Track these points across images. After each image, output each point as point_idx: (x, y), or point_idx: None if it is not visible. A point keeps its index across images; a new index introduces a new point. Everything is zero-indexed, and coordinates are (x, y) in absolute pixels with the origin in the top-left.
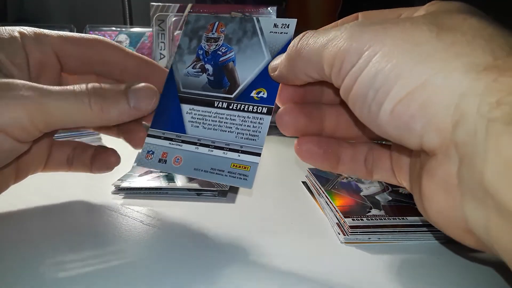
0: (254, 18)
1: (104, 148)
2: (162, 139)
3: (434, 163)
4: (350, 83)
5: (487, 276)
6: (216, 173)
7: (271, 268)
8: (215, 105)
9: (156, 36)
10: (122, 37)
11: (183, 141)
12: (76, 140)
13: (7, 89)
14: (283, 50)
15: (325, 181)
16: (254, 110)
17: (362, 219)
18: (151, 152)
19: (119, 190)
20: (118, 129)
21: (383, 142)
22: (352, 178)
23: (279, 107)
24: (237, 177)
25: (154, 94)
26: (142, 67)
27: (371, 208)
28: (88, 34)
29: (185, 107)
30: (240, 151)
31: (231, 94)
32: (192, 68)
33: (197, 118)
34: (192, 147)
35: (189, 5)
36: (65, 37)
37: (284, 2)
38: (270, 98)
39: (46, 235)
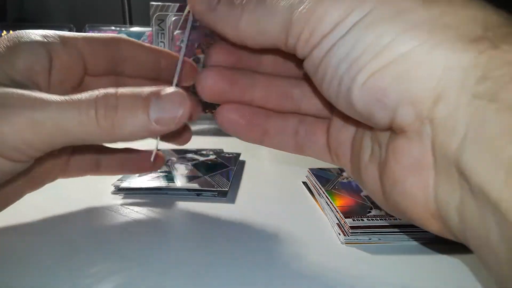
0: None
1: (136, 151)
2: None
3: (403, 142)
4: (319, 54)
5: (487, 276)
6: None
7: (271, 268)
8: None
9: (155, 35)
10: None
11: None
12: None
13: None
14: None
15: (325, 181)
16: None
17: (362, 220)
18: None
19: (118, 190)
20: None
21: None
22: (352, 178)
23: None
24: None
25: (182, 103)
26: (170, 63)
27: (371, 208)
28: (106, 34)
29: None
30: None
31: None
32: None
33: None
34: None
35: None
36: (89, 38)
37: None
38: None
39: (45, 235)
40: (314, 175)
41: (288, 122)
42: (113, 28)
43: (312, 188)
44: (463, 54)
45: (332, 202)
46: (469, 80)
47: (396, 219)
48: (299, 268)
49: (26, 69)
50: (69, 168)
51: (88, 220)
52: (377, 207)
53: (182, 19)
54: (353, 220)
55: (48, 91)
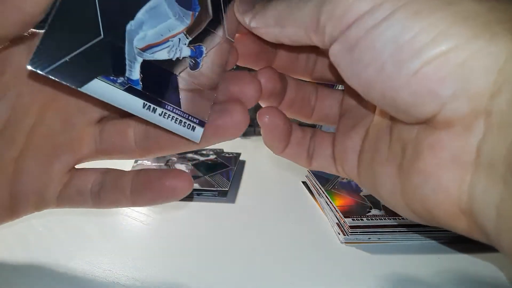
0: None
1: (153, 172)
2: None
3: (444, 135)
4: (357, 33)
5: (487, 276)
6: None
7: (271, 268)
8: None
9: None
10: None
11: None
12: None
13: None
14: None
15: (325, 181)
16: None
17: (362, 219)
18: None
19: None
20: None
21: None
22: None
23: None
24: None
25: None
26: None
27: (371, 208)
28: None
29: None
30: None
31: None
32: None
33: None
34: None
35: None
36: None
37: None
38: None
39: (45, 235)
40: (314, 175)
41: (306, 133)
42: None
43: (312, 188)
44: None
45: (331, 202)
46: None
47: (396, 218)
48: (299, 267)
49: None
50: (62, 197)
51: (88, 220)
52: (376, 207)
53: None
54: (353, 219)
55: None
